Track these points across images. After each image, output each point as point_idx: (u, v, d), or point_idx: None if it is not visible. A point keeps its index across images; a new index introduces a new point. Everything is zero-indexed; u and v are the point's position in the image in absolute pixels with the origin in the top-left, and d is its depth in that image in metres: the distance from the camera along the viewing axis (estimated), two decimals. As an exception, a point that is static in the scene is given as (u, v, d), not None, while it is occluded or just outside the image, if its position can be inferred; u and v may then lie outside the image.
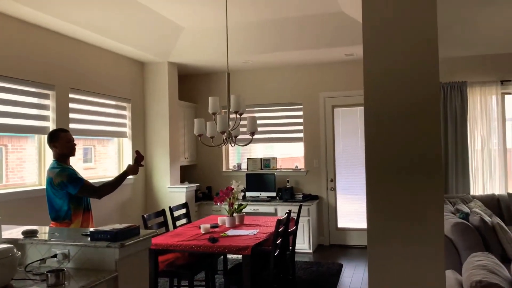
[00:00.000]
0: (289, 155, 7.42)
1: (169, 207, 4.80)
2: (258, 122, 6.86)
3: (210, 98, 4.14)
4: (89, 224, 3.45)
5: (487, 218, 4.03)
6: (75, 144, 3.47)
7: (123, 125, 6.03)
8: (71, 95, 4.99)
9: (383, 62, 2.15)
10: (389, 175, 2.11)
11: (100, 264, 2.38)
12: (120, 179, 3.49)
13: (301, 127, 7.00)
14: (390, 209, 2.11)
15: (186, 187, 6.33)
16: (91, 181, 3.49)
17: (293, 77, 7.00)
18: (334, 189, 6.80)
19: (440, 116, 2.08)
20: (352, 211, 6.76)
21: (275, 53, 6.09)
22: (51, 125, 4.68)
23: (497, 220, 3.98)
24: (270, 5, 5.16)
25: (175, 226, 4.74)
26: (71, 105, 4.99)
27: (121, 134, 5.98)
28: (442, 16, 5.14)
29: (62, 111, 4.82)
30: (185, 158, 7.03)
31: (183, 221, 5.04)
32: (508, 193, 5.75)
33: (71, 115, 4.97)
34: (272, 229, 4.29)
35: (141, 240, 2.59)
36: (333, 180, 6.80)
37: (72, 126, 4.88)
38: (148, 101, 6.42)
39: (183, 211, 5.15)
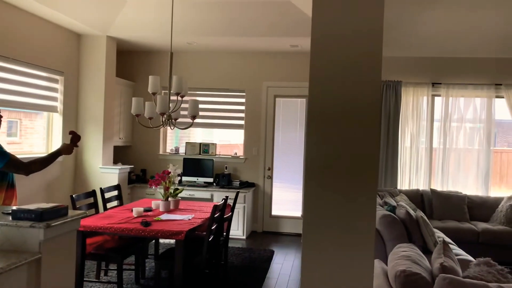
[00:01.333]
0: (228, 141, 7.40)
1: (100, 188, 4.59)
2: (200, 106, 6.76)
3: (150, 77, 3.99)
4: (12, 201, 3.20)
5: (411, 212, 4.26)
6: (1, 117, 3.19)
7: (54, 99, 5.66)
8: (-4, 62, 4.58)
9: (329, 57, 2.16)
10: (327, 168, 2.14)
11: (22, 245, 2.22)
12: (51, 157, 3.26)
13: (242, 115, 6.98)
14: (326, 200, 2.15)
15: (119, 168, 6.09)
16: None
17: (237, 63, 6.95)
18: (270, 177, 6.89)
19: (380, 114, 2.15)
20: (286, 200, 6.90)
21: (220, 37, 5.99)
22: (-29, 93, 4.27)
23: (420, 213, 4.23)
24: (219, -13, 5.05)
25: (106, 208, 4.55)
26: (-4, 73, 4.59)
27: (51, 109, 5.61)
28: (384, 18, 5.34)
29: (-15, 79, 4.41)
30: (120, 138, 6.76)
31: (115, 203, 4.85)
32: (431, 189, 6.14)
33: (-5, 84, 4.58)
34: (207, 215, 4.25)
35: (68, 221, 2.45)
36: (271, 168, 6.88)
37: (-5, 95, 4.50)
38: (83, 75, 6.07)
39: (115, 193, 4.96)
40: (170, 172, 4.39)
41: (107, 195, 4.79)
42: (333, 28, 2.15)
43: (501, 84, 6.37)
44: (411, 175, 6.55)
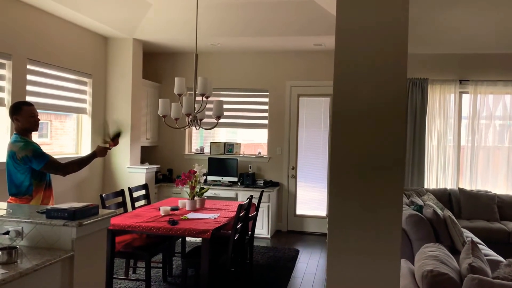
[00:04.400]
0: (252, 141, 7.44)
1: (129, 188, 4.70)
2: (224, 106, 6.83)
3: (176, 79, 4.06)
4: (49, 201, 3.34)
5: (439, 211, 4.20)
6: (39, 119, 3.32)
7: (83, 101, 5.82)
8: (29, 67, 4.75)
9: (354, 54, 2.16)
10: (352, 167, 2.14)
11: (56, 243, 2.31)
12: (88, 159, 3.46)
13: (266, 114, 7.01)
14: (351, 200, 2.14)
15: (146, 168, 6.22)
16: (47, 157, 3.36)
17: (260, 63, 6.98)
18: (295, 176, 6.89)
19: (406, 113, 2.13)
20: (310, 199, 6.89)
21: (244, 37, 6.04)
22: (6, 97, 4.45)
23: (448, 213, 4.16)
24: (242, -12, 5.08)
25: (134, 207, 4.65)
26: (29, 77, 4.76)
27: (81, 110, 5.77)
28: (410, 15, 5.27)
29: (19, 83, 4.58)
30: (147, 139, 6.89)
31: (142, 202, 4.96)
32: (459, 188, 6.02)
33: (28, 88, 4.74)
34: (232, 214, 4.30)
35: (99, 220, 2.52)
36: (294, 168, 6.88)
37: (29, 98, 4.66)
38: (111, 77, 6.22)
39: (143, 192, 5.06)
40: (195, 172, 4.46)
41: (135, 194, 4.90)
42: (358, 25, 2.15)
43: (532, 80, 6.18)
44: (439, 174, 6.43)
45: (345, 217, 2.15)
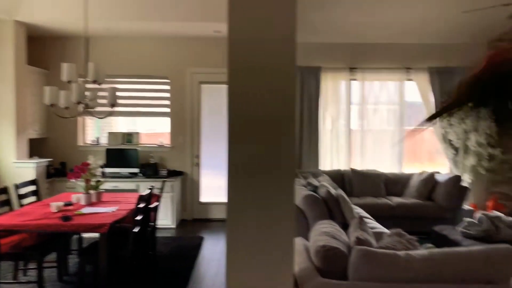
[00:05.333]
0: (153, 130, 7.24)
1: (14, 184, 4.30)
2: (121, 94, 6.51)
3: (64, 65, 3.78)
4: None
5: (332, 191, 4.49)
6: None
7: (-45, 89, 5.17)
8: None
9: (246, 43, 2.17)
10: (247, 152, 2.18)
11: None
12: None
13: (167, 102, 6.85)
14: (247, 183, 2.19)
15: (36, 162, 5.74)
16: None
17: (160, 49, 6.77)
18: (198, 165, 6.87)
19: (295, 99, 2.21)
20: (214, 186, 6.92)
21: (141, 21, 5.80)
22: None
23: (340, 192, 4.47)
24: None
25: (21, 205, 4.27)
26: None
27: (-48, 100, 5.12)
28: (303, 3, 5.49)
29: None
30: (35, 130, 6.34)
31: (31, 199, 4.57)
32: (351, 169, 6.49)
33: None
34: (133, 206, 4.16)
35: (-25, 220, 2.27)
36: (198, 156, 6.85)
37: None
38: (-11, 63, 5.59)
39: (32, 188, 4.67)
40: (90, 164, 4.21)
41: (23, 191, 4.49)
42: (248, 14, 2.17)
43: (410, 68, 6.83)
44: (333, 156, 6.87)
45: (242, 200, 2.20)
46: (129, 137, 6.79)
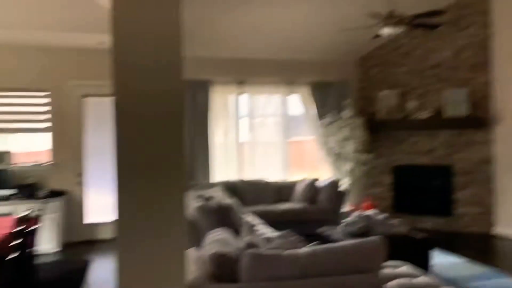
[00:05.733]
0: (31, 148, 6.65)
1: None
2: (-10, 109, 5.92)
3: None
4: None
5: (224, 201, 4.59)
6: None
7: None
8: None
9: (131, 57, 2.14)
10: (138, 168, 2.14)
11: None
12: None
13: (48, 116, 6.36)
14: (137, 198, 2.15)
15: None
16: None
17: (39, 61, 6.28)
18: (81, 183, 6.47)
19: (183, 113, 2.22)
20: (100, 205, 6.56)
21: (17, 30, 5.34)
22: None
23: (232, 201, 4.59)
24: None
25: None
26: None
27: None
28: (191, 17, 5.57)
29: None
30: None
31: None
32: (240, 180, 6.69)
33: None
34: (7, 231, 3.77)
35: None
36: (81, 174, 6.46)
37: None
38: None
39: None
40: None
41: None
42: (132, 28, 2.15)
43: (294, 82, 7.30)
44: (224, 168, 7.00)
45: (132, 216, 2.15)
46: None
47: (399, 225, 4.73)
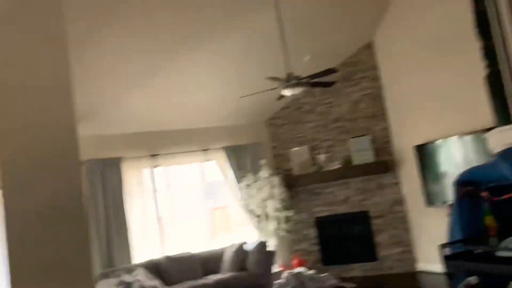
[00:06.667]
0: None
1: None
2: None
3: None
4: None
5: (148, 283, 4.29)
6: None
7: None
8: None
9: (20, 149, 1.98)
10: (35, 267, 1.92)
11: None
12: None
13: None
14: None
15: None
16: None
17: None
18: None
19: (82, 196, 2.07)
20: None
21: None
22: None
23: (156, 283, 4.30)
24: None
25: None
26: None
27: None
28: (93, 93, 5.45)
29: None
30: None
31: None
32: (165, 256, 6.34)
33: None
34: None
35: None
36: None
37: None
38: None
39: None
40: None
41: None
42: (19, 109, 2.01)
43: (208, 149, 7.33)
44: (145, 247, 6.61)
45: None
46: None
47: (329, 278, 4.75)
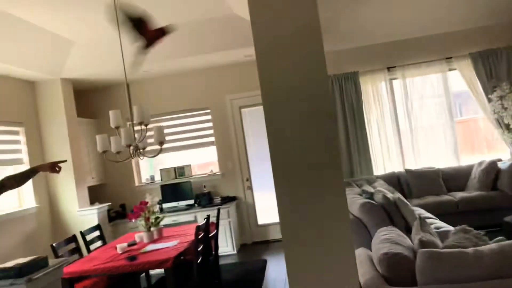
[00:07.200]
0: (203, 160, 7.39)
1: (80, 232, 4.52)
2: (167, 131, 6.77)
3: (110, 112, 3.98)
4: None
5: (389, 195, 4.36)
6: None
7: (18, 151, 5.56)
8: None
9: (275, 61, 2.21)
10: (292, 170, 2.18)
11: (5, 304, 2.18)
12: (28, 173, 2.92)
13: (211, 131, 7.01)
14: (298, 201, 2.19)
15: (97, 208, 6.01)
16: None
17: (196, 82, 6.99)
18: (250, 187, 6.92)
19: (330, 107, 2.20)
20: (270, 207, 6.92)
21: (175, 59, 6.03)
22: None
23: (398, 195, 4.34)
24: (164, 12, 5.09)
25: (89, 251, 4.48)
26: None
27: (16, 162, 5.50)
28: (325, 11, 5.50)
29: None
30: (92, 178, 6.67)
31: (98, 244, 4.79)
32: (405, 169, 6.29)
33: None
34: (192, 238, 4.24)
35: (50, 270, 2.42)
36: (249, 179, 6.91)
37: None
38: (44, 122, 5.99)
39: (97, 233, 4.89)
40: (147, 202, 4.37)
41: (89, 237, 4.72)
42: (272, 33, 2.21)
43: (451, 57, 6.59)
44: (385, 160, 6.69)
45: (294, 219, 2.19)
46: (180, 170, 6.98)
47: None
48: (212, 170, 7.04)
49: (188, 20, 5.48)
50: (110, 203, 6.61)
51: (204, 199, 6.58)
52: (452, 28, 6.55)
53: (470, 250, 2.19)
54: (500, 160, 6.02)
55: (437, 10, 6.04)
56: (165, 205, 6.66)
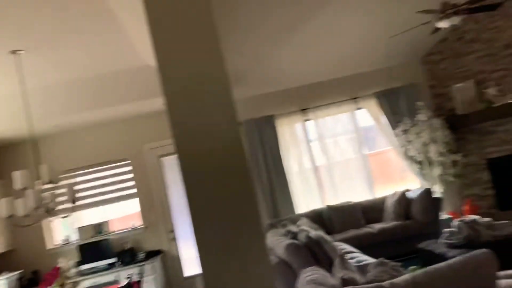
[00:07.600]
0: (126, 213, 7.06)
1: (-16, 308, 4.03)
2: (84, 185, 6.43)
3: (14, 174, 3.70)
4: None
5: (312, 233, 4.45)
6: None
7: None
8: None
9: (185, 111, 2.21)
10: (209, 217, 2.16)
11: None
12: None
13: (132, 183, 6.75)
14: (218, 249, 2.15)
15: (6, 278, 5.44)
16: None
17: (113, 133, 6.77)
18: (175, 239, 6.69)
19: (244, 152, 2.23)
20: (195, 256, 6.71)
21: (86, 112, 5.81)
22: None
23: (320, 233, 4.43)
24: (71, 66, 4.94)
25: (-6, 329, 3.99)
26: None
27: None
28: (243, 59, 5.71)
29: None
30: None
31: (6, 319, 4.29)
32: (327, 205, 6.49)
33: None
34: (114, 300, 3.97)
35: None
36: (173, 230, 6.70)
37: None
38: None
39: (4, 307, 4.39)
40: (60, 267, 4.03)
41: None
42: (181, 85, 2.22)
43: (358, 97, 7.09)
44: (306, 197, 6.87)
45: (215, 268, 2.14)
46: (99, 227, 6.59)
47: (508, 226, 4.27)
48: (133, 224, 6.73)
49: (99, 72, 5.36)
50: (22, 270, 6.02)
51: (127, 256, 6.23)
52: (358, 70, 7.08)
53: (386, 283, 2.28)
54: (408, 190, 6.44)
55: (344, 54, 6.52)
56: (84, 267, 6.19)
